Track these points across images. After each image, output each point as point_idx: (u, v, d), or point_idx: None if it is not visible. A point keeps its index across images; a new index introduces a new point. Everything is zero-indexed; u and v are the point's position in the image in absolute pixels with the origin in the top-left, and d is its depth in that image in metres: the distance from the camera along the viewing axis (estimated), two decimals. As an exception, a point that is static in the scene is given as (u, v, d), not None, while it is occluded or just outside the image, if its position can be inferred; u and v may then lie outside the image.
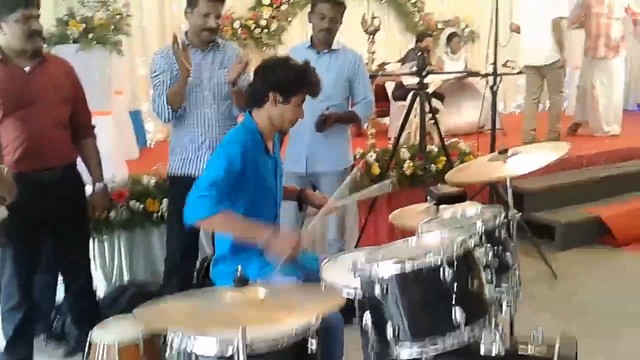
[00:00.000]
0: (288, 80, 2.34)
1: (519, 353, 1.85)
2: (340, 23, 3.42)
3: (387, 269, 1.68)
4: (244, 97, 2.90)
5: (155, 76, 3.03)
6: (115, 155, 4.38)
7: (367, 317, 1.77)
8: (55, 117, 2.79)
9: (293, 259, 2.22)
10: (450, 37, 7.30)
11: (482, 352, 1.79)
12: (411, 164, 4.66)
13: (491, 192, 4.46)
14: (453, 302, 1.64)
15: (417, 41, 7.33)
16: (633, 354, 3.09)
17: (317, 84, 2.42)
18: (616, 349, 3.14)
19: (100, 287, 3.59)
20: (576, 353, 1.83)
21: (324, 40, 3.41)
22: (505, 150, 2.47)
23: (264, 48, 7.65)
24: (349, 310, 1.97)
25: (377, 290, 1.68)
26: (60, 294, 3.26)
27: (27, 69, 2.73)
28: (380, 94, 6.72)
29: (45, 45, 3.10)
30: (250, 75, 3.03)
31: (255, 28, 7.48)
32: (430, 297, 1.68)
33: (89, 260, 3.15)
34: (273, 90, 2.34)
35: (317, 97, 2.48)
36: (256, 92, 2.41)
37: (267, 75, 2.38)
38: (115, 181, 3.74)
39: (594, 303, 3.74)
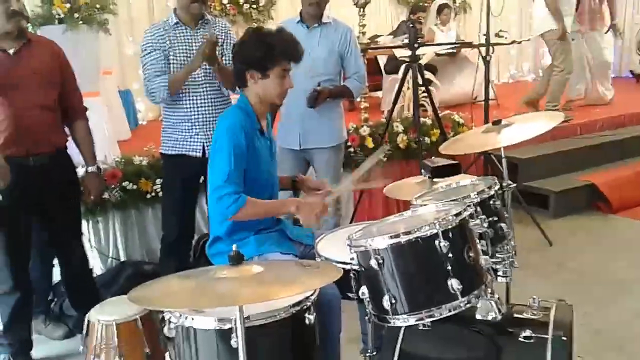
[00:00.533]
0: (258, 55, 2.27)
1: (515, 317, 1.86)
2: (330, -4, 3.38)
3: (382, 242, 1.69)
4: (229, 77, 2.88)
5: (145, 55, 2.99)
6: (106, 137, 4.36)
7: (364, 289, 1.78)
8: (42, 100, 2.75)
9: (320, 221, 2.28)
10: (440, 9, 7.22)
11: (478, 318, 1.82)
12: (405, 137, 4.66)
13: (485, 163, 4.46)
14: (449, 274, 1.64)
15: (410, 13, 7.26)
16: (626, 319, 3.13)
17: (294, 48, 2.32)
18: (610, 314, 3.17)
19: (97, 267, 3.60)
20: (572, 318, 1.85)
21: (313, 14, 3.36)
22: (499, 121, 2.46)
23: (254, 23, 7.57)
24: (345, 284, 2.00)
25: (373, 263, 1.69)
26: (57, 276, 3.27)
27: (11, 51, 2.68)
28: (373, 68, 6.68)
29: (30, 27, 3.05)
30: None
31: (244, 3, 7.39)
32: (426, 269, 1.68)
33: (82, 241, 3.15)
34: (248, 69, 2.30)
35: (298, 62, 2.38)
36: (236, 72, 2.38)
37: (240, 54, 2.34)
38: (108, 162, 3.73)
39: (588, 270, 3.78)
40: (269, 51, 2.27)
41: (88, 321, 2.19)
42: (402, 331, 1.88)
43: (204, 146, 3.01)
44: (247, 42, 2.32)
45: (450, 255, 1.65)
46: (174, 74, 2.94)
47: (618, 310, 3.23)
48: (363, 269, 1.78)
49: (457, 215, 1.70)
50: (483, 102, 4.61)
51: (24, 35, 2.73)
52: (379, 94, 7.16)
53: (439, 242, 1.64)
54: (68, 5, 3.96)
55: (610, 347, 2.86)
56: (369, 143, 4.53)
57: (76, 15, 3.99)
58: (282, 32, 2.35)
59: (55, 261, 3.18)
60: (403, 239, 1.67)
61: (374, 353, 2.08)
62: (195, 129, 3.02)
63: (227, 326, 1.67)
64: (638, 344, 2.90)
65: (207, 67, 2.99)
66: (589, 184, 4.93)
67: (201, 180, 3.11)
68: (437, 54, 6.83)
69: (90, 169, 3.02)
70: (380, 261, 1.68)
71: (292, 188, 2.72)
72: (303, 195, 2.71)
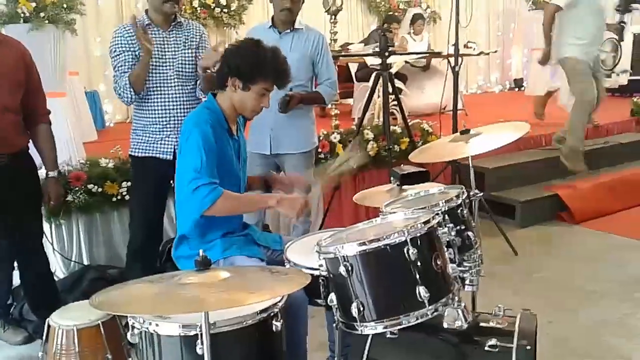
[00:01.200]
0: (247, 66, 2.25)
1: (481, 325, 1.88)
2: (303, 2, 3.37)
3: (351, 249, 1.68)
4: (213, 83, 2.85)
5: (115, 56, 2.93)
6: (72, 138, 4.27)
7: (333, 296, 1.77)
8: (5, 101, 2.68)
9: (303, 215, 2.29)
10: (414, 19, 7.31)
11: (444, 326, 1.83)
12: (375, 145, 4.68)
13: (453, 172, 4.51)
14: (417, 281, 1.65)
15: (384, 23, 7.32)
16: (591, 328, 3.18)
17: (284, 75, 2.32)
18: (574, 323, 3.23)
19: (59, 271, 3.52)
20: (536, 327, 1.87)
21: (285, 20, 3.35)
22: (467, 131, 2.49)
23: (224, 28, 7.54)
24: (313, 290, 1.99)
25: (342, 270, 1.68)
26: (16, 279, 3.18)
27: None
28: (344, 75, 6.72)
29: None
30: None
31: (215, 7, 7.35)
32: (395, 277, 1.68)
33: (42, 246, 3.07)
34: (232, 75, 2.27)
35: (282, 88, 2.38)
36: (219, 74, 2.35)
37: (229, 59, 2.30)
38: (72, 164, 3.65)
39: (553, 279, 3.84)
40: (259, 66, 2.25)
41: (48, 326, 2.14)
42: (369, 339, 1.87)
43: (174, 149, 2.96)
44: (242, 49, 2.29)
45: (418, 263, 1.66)
46: (132, 72, 2.88)
47: (582, 319, 3.29)
48: (332, 275, 1.77)
49: (425, 223, 1.71)
50: (451, 112, 4.67)
51: None
52: (350, 101, 7.20)
53: (408, 249, 1.64)
54: (34, 4, 3.88)
55: (574, 355, 2.91)
56: (340, 150, 4.53)
57: (42, 14, 3.92)
58: (278, 55, 2.31)
59: (15, 264, 3.09)
60: (372, 246, 1.67)
61: (341, 360, 2.08)
62: (167, 131, 2.97)
63: (192, 332, 1.65)
64: (602, 352, 2.95)
65: (179, 68, 2.96)
66: (554, 195, 5.02)
67: (171, 184, 3.06)
68: (411, 65, 6.90)
69: (50, 174, 2.95)
70: (349, 268, 1.68)
71: (264, 188, 2.69)
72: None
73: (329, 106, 5.03)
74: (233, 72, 2.27)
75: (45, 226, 3.20)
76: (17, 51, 2.77)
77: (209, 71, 2.87)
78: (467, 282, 2.06)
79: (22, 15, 3.89)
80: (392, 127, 4.64)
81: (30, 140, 2.90)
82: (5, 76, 2.68)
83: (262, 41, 2.35)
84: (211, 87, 2.91)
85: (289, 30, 3.37)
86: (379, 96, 5.16)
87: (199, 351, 1.58)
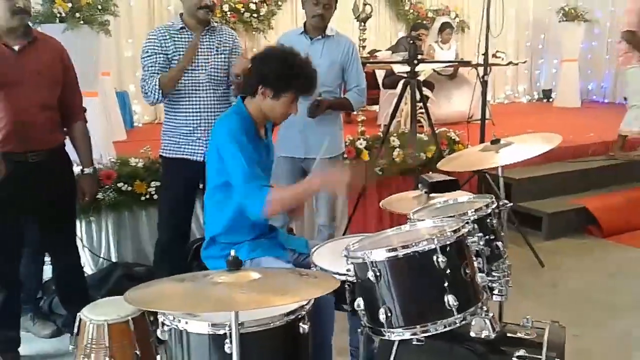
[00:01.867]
0: (279, 77, 2.26)
1: (508, 336, 1.86)
2: (335, 9, 3.39)
3: (380, 255, 1.69)
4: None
5: (147, 56, 2.98)
6: (102, 137, 4.35)
7: (360, 301, 1.78)
8: (43, 99, 2.74)
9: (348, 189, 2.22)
10: (442, 27, 7.28)
11: (472, 335, 1.82)
12: (401, 152, 4.67)
13: (479, 182, 4.49)
14: (446, 290, 1.65)
15: (411, 30, 7.31)
16: (615, 342, 3.14)
17: (312, 85, 2.34)
18: (600, 337, 3.18)
19: (87, 267, 3.58)
20: (564, 340, 1.86)
21: (317, 26, 3.37)
22: (497, 140, 2.47)
23: (253, 32, 7.60)
24: (338, 295, 2.00)
25: (370, 275, 1.68)
26: (47, 274, 3.25)
27: (15, 48, 2.68)
28: (370, 82, 6.68)
29: (31, 24, 3.05)
30: None
31: (244, 12, 7.42)
32: (423, 284, 1.69)
33: (75, 241, 3.13)
34: (263, 84, 2.28)
35: (310, 96, 2.41)
36: (249, 81, 2.36)
37: (260, 67, 2.31)
38: (103, 162, 3.72)
39: (579, 292, 3.80)
40: (290, 78, 2.26)
41: (79, 320, 2.17)
42: (395, 345, 1.87)
43: (204, 151, 2.99)
44: (273, 58, 2.30)
45: (447, 271, 1.65)
46: (165, 74, 2.92)
47: (607, 332, 3.24)
48: (359, 280, 1.78)
49: (455, 231, 1.71)
50: (478, 121, 4.64)
51: (29, 33, 2.72)
52: (376, 107, 7.20)
53: (437, 257, 1.64)
54: (70, 5, 3.96)
55: (598, 370, 2.88)
56: (365, 156, 4.54)
57: (77, 14, 4.00)
58: (308, 65, 2.33)
59: (47, 259, 3.16)
60: (401, 252, 1.67)
61: (364, 366, 2.08)
62: (197, 133, 3.01)
63: (221, 331, 1.67)
64: (626, 368, 2.92)
65: (212, 72, 3.00)
66: (582, 208, 4.96)
67: (200, 186, 3.10)
68: (438, 73, 6.88)
69: (86, 170, 3.01)
70: (378, 274, 1.68)
71: None
72: None
73: (355, 112, 5.04)
74: (263, 81, 2.28)
75: (76, 223, 3.26)
76: (54, 49, 2.84)
77: (239, 78, 2.91)
78: (495, 292, 2.05)
79: (58, 15, 3.98)
80: (418, 135, 4.63)
81: (67, 137, 2.96)
82: (44, 74, 2.74)
83: (293, 49, 2.36)
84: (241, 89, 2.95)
85: (320, 37, 3.40)
86: (406, 103, 5.16)
87: (227, 350, 1.60)
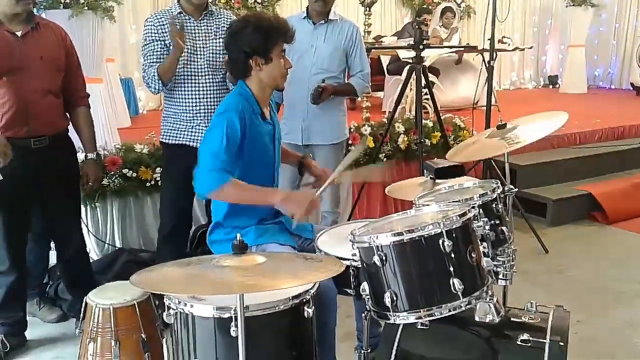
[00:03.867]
0: (259, 40, 2.26)
1: (512, 320, 1.87)
2: (339, -6, 3.37)
3: (386, 239, 1.69)
4: None
5: (145, 45, 2.98)
6: (107, 124, 4.35)
7: (365, 285, 1.78)
8: (46, 84, 2.75)
9: (307, 217, 2.23)
10: (443, 12, 7.25)
11: (476, 319, 1.82)
12: (406, 138, 4.66)
13: (485, 168, 4.47)
14: (451, 274, 1.65)
15: (416, 16, 7.27)
16: (618, 328, 3.14)
17: (287, 27, 2.33)
18: (602, 323, 3.19)
19: (93, 252, 3.60)
20: (568, 325, 1.86)
21: (320, 11, 3.35)
22: (504, 125, 2.46)
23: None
24: (342, 280, 2.00)
25: (376, 259, 1.69)
26: (53, 260, 3.27)
27: (18, 33, 2.67)
28: (375, 68, 6.67)
29: (35, 10, 3.04)
30: None
31: (249, -3, 7.38)
32: (429, 268, 1.68)
33: (80, 226, 3.14)
34: (251, 55, 2.28)
35: (291, 42, 2.37)
36: (238, 63, 2.34)
37: (239, 43, 2.30)
38: (108, 149, 3.73)
39: (582, 278, 3.79)
40: (268, 34, 2.27)
41: (86, 304, 2.19)
42: (400, 329, 1.88)
43: None
44: (244, 31, 2.29)
45: (453, 255, 1.65)
46: (162, 63, 2.91)
47: (611, 319, 3.24)
48: (365, 265, 1.78)
49: (461, 215, 1.70)
50: (484, 107, 4.62)
51: (31, 19, 2.72)
52: (380, 94, 7.17)
53: (443, 241, 1.64)
54: (74, -9, 3.95)
55: (602, 356, 2.88)
56: (370, 142, 4.53)
57: (82, 1, 3.98)
58: (270, 15, 2.37)
59: (52, 244, 3.17)
60: (407, 236, 1.67)
61: (369, 350, 2.09)
62: (197, 119, 3.00)
63: (226, 315, 1.68)
64: (629, 353, 2.91)
65: (210, 57, 2.99)
66: (587, 194, 4.94)
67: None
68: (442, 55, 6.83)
69: (89, 156, 3.02)
70: (383, 258, 1.68)
71: (298, 166, 2.70)
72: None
73: (360, 99, 5.02)
74: (250, 53, 2.28)
75: (81, 208, 3.27)
76: (58, 35, 2.83)
77: None
78: (500, 276, 2.05)
79: (62, 1, 3.97)
80: (423, 121, 4.62)
81: (70, 123, 2.96)
82: (46, 59, 2.74)
83: (248, 14, 2.41)
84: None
85: (323, 22, 3.38)
86: (411, 89, 5.13)
87: (232, 333, 1.61)
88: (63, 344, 3.01)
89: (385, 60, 7.04)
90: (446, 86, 6.65)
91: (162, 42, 2.94)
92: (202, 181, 2.22)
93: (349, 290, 2.05)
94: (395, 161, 4.65)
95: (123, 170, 3.62)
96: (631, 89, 9.02)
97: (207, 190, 2.22)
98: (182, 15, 2.98)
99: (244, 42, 2.28)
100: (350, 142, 4.33)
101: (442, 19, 7.25)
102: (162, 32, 2.94)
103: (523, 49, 8.30)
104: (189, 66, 2.97)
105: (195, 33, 2.99)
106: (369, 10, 5.05)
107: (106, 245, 3.68)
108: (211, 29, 3.03)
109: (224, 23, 3.06)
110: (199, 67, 2.98)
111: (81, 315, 2.21)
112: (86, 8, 4.00)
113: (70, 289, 3.12)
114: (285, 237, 2.41)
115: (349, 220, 4.18)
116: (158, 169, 3.67)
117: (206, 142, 2.28)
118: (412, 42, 4.32)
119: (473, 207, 1.79)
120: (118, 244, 3.70)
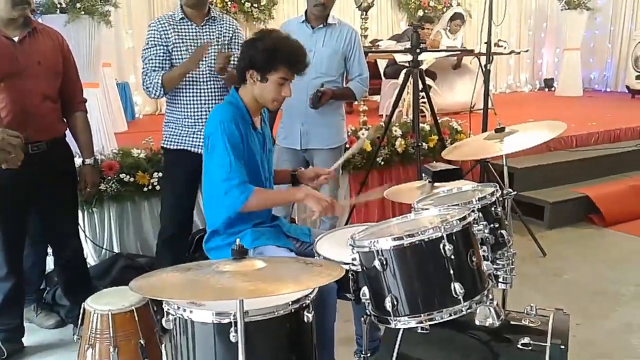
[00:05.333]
0: (262, 57, 2.25)
1: (512, 324, 1.87)
2: (337, -2, 3.37)
3: (387, 243, 1.68)
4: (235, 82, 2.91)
5: (147, 48, 2.97)
6: (104, 128, 4.34)
7: (365, 290, 1.78)
8: (43, 89, 2.74)
9: (316, 221, 2.26)
10: (453, 17, 7.21)
11: (476, 323, 1.82)
12: (403, 142, 4.66)
13: (482, 171, 4.48)
14: (452, 278, 1.65)
15: (419, 21, 7.27)
16: (616, 331, 3.14)
17: (299, 60, 2.30)
18: (601, 326, 3.19)
19: (90, 258, 3.58)
20: (568, 328, 1.86)
21: (319, 15, 3.35)
22: (502, 129, 2.46)
23: (254, 22, 7.57)
24: (342, 284, 2.00)
25: (376, 264, 1.68)
26: (50, 265, 3.25)
27: (15, 38, 2.67)
28: (372, 72, 6.65)
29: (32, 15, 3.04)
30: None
31: (245, 2, 7.38)
32: (430, 272, 1.68)
33: (77, 232, 3.12)
34: (249, 68, 2.28)
35: (301, 74, 2.35)
36: (238, 69, 2.37)
37: (245, 52, 2.31)
38: (105, 154, 3.72)
39: (581, 281, 3.80)
40: (272, 55, 2.25)
41: (84, 310, 2.17)
42: (400, 333, 1.87)
43: None
44: (256, 42, 2.30)
45: (453, 259, 1.65)
46: (169, 72, 2.92)
47: (609, 322, 3.25)
48: (365, 269, 1.77)
49: (462, 219, 1.70)
50: (481, 111, 4.62)
51: (28, 24, 2.71)
52: (377, 98, 7.18)
53: (444, 245, 1.64)
54: (70, -4, 3.95)
55: (600, 358, 2.88)
56: (367, 146, 4.53)
57: (78, 5, 3.98)
58: (291, 40, 2.32)
59: (50, 250, 3.16)
60: (407, 241, 1.66)
61: (369, 355, 2.09)
62: (199, 125, 2.99)
63: (226, 320, 1.67)
64: (628, 356, 2.91)
65: (212, 62, 2.98)
66: (584, 197, 4.96)
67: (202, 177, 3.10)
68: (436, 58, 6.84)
69: (87, 161, 3.01)
70: (384, 262, 1.68)
71: (291, 182, 2.71)
72: None
73: (357, 102, 5.03)
74: (248, 65, 2.28)
75: (79, 213, 3.25)
76: (55, 40, 2.83)
77: (226, 73, 2.90)
78: (500, 280, 2.05)
79: (59, 5, 3.96)
80: (420, 125, 4.61)
81: (67, 128, 2.95)
82: (44, 64, 2.73)
83: (276, 30, 2.39)
84: (231, 84, 2.95)
85: (322, 26, 3.38)
86: (408, 93, 5.13)
87: (232, 339, 1.60)
88: (61, 350, 2.99)
89: (381, 63, 7.05)
90: (443, 90, 6.66)
91: (165, 47, 2.94)
92: (227, 202, 2.24)
93: (348, 295, 2.04)
94: (393, 165, 4.66)
95: (120, 175, 3.61)
96: (627, 91, 9.06)
97: (236, 209, 2.25)
98: (184, 20, 2.98)
99: (250, 52, 2.28)
100: (347, 146, 4.33)
101: (449, 24, 7.23)
102: (165, 37, 2.94)
103: (519, 52, 8.32)
104: (190, 72, 2.96)
105: (197, 39, 2.98)
106: (366, 14, 5.06)
107: (103, 250, 3.66)
108: (213, 35, 3.03)
109: (226, 29, 3.07)
110: (201, 72, 2.98)
111: (79, 321, 2.20)
112: (83, 13, 4.00)
113: (68, 295, 3.10)
114: (282, 239, 2.42)
115: (346, 224, 4.18)
116: (155, 174, 3.66)
117: (214, 161, 2.27)
118: (408, 46, 4.32)
119: (473, 211, 1.79)
120: (116, 249, 3.69)
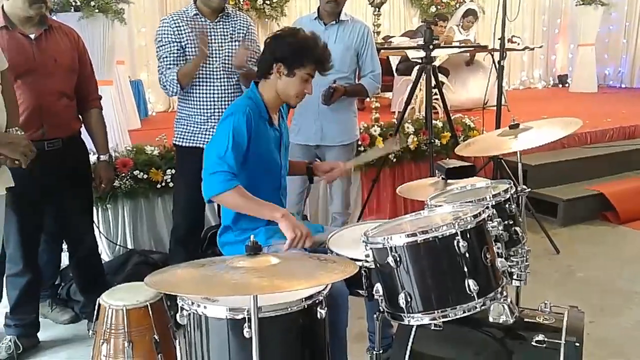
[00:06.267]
0: (293, 51, 2.28)
1: (526, 321, 1.86)
2: (350, -6, 3.37)
3: (400, 240, 1.68)
4: (251, 79, 2.91)
5: (161, 46, 2.97)
6: (117, 125, 4.37)
7: (378, 286, 1.78)
8: (59, 86, 2.76)
9: (295, 245, 2.17)
10: (466, 13, 7.17)
11: (490, 320, 1.81)
12: (415, 139, 4.65)
13: (495, 168, 4.46)
14: (466, 274, 1.64)
15: (433, 18, 7.23)
16: (631, 329, 3.12)
17: (326, 59, 2.34)
18: (615, 324, 3.16)
19: (104, 254, 3.61)
20: (583, 325, 1.85)
21: (331, 12, 3.35)
22: (517, 125, 2.45)
23: (266, 20, 7.58)
24: (354, 281, 1.99)
25: (390, 260, 1.68)
26: (65, 261, 3.28)
27: (32, 36, 2.69)
28: (384, 68, 6.62)
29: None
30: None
31: (257, -2, 7.40)
32: (444, 269, 1.68)
33: (92, 228, 3.15)
34: (277, 62, 2.30)
35: (325, 73, 2.40)
36: (263, 62, 2.37)
37: (274, 46, 2.33)
38: (119, 151, 3.75)
39: (595, 279, 3.77)
40: (303, 51, 2.28)
41: (99, 305, 2.19)
42: (413, 330, 1.87)
43: None
44: (285, 36, 2.33)
45: (468, 256, 1.64)
46: (182, 67, 2.92)
47: (623, 319, 3.22)
48: (378, 265, 1.77)
49: (476, 216, 1.70)
50: (494, 107, 4.60)
51: (45, 22, 2.74)
52: (389, 94, 7.16)
53: (458, 242, 1.63)
54: (84, -7, 3.97)
55: (614, 356, 2.86)
56: (379, 143, 4.53)
57: (92, 3, 4.01)
58: (319, 40, 2.35)
59: (64, 246, 3.19)
60: (421, 237, 1.66)
61: (381, 351, 2.08)
62: (212, 121, 3.00)
63: (239, 316, 1.67)
64: (643, 355, 2.90)
65: (225, 59, 2.99)
66: (598, 194, 4.91)
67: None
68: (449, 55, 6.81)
69: (102, 157, 3.03)
70: (397, 259, 1.67)
71: (306, 174, 2.71)
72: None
73: (369, 99, 5.02)
74: (278, 58, 2.29)
75: (93, 210, 3.28)
76: (71, 38, 2.85)
77: (244, 69, 2.90)
78: (514, 277, 2.04)
79: (73, 3, 3.99)
80: (433, 121, 4.60)
81: (83, 125, 2.98)
82: (60, 62, 2.75)
83: (301, 28, 2.39)
84: (247, 81, 2.96)
85: (334, 22, 3.38)
86: (420, 89, 5.12)
87: (245, 335, 1.60)
88: (75, 345, 3.03)
89: (394, 60, 7.03)
90: (456, 86, 6.63)
91: (178, 44, 2.94)
92: (207, 184, 2.20)
93: (360, 291, 2.04)
94: (405, 161, 4.65)
95: (134, 172, 3.64)
96: (642, 87, 8.97)
97: (211, 193, 2.19)
98: (197, 17, 2.98)
99: (279, 46, 2.30)
100: (360, 142, 4.33)
101: (462, 20, 7.19)
102: (178, 34, 2.94)
103: (533, 48, 8.26)
104: (203, 68, 2.97)
105: (210, 35, 2.98)
106: (378, 11, 5.05)
107: (117, 246, 3.69)
108: (227, 31, 3.03)
109: (240, 25, 3.07)
110: (214, 69, 2.98)
111: (94, 316, 2.22)
112: (97, 10, 4.02)
113: (82, 290, 3.13)
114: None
115: (358, 221, 4.18)
116: (169, 171, 3.68)
117: (213, 145, 2.27)
118: (421, 42, 4.31)
119: (487, 208, 1.78)
120: (129, 245, 3.72)
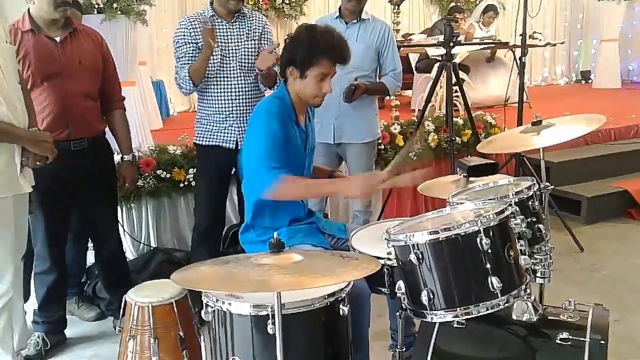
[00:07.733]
0: (299, 53, 2.23)
1: (550, 318, 1.85)
2: (371, -7, 3.37)
3: (422, 237, 1.68)
4: (273, 79, 2.93)
5: (178, 47, 3.02)
6: (140, 126, 4.42)
7: (400, 284, 1.78)
8: (84, 88, 2.82)
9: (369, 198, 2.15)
10: (486, 9, 7.11)
11: (513, 318, 1.81)
12: (436, 137, 4.64)
13: (517, 165, 4.42)
14: (489, 272, 1.64)
15: (448, 14, 7.20)
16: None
17: (339, 50, 2.25)
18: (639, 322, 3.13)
19: (128, 252, 3.66)
20: (608, 323, 1.83)
21: (353, 10, 3.36)
22: (540, 122, 2.43)
23: (285, 19, 7.61)
24: (376, 278, 1.99)
25: (412, 258, 1.68)
26: (91, 259, 3.34)
27: (57, 39, 2.75)
28: (404, 66, 6.62)
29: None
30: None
31: (277, -2, 7.42)
32: (467, 266, 1.67)
33: (117, 227, 3.20)
34: (289, 65, 2.27)
35: (344, 64, 2.30)
36: (281, 65, 2.35)
37: (286, 49, 2.30)
38: (142, 151, 3.79)
39: (619, 277, 3.72)
40: (310, 49, 2.22)
41: (125, 302, 2.23)
42: (436, 328, 1.87)
43: (237, 138, 3.03)
44: (296, 38, 2.29)
45: (490, 253, 1.64)
46: (192, 65, 2.95)
47: (649, 319, 3.18)
48: (401, 263, 1.78)
49: (499, 213, 1.69)
50: (515, 104, 4.56)
51: (69, 25, 2.79)
52: (409, 92, 7.14)
53: (481, 239, 1.63)
54: (107, -4, 4.03)
55: (639, 355, 2.82)
56: (400, 141, 4.52)
57: (115, 5, 4.06)
58: (331, 32, 2.27)
59: (90, 244, 3.25)
60: (443, 235, 1.66)
61: (404, 349, 2.09)
62: (230, 120, 3.04)
63: (263, 312, 1.68)
64: (669, 353, 2.85)
65: (242, 59, 3.02)
66: (622, 191, 4.85)
67: (233, 172, 3.15)
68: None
69: (125, 157, 3.07)
70: (420, 256, 1.67)
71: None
72: None
73: (389, 97, 5.01)
74: (288, 62, 2.27)
75: (117, 209, 3.33)
76: (95, 40, 2.90)
77: (263, 71, 2.92)
78: (538, 274, 2.03)
79: (96, 6, 4.05)
80: (454, 119, 4.58)
81: (107, 125, 3.03)
82: (85, 64, 2.81)
83: (316, 25, 2.34)
84: (271, 82, 2.98)
85: (355, 21, 3.38)
86: (441, 87, 5.10)
87: (269, 331, 1.62)
88: (101, 342, 3.08)
89: (413, 58, 7.00)
90: (477, 83, 6.59)
91: (195, 45, 2.98)
92: (256, 184, 2.21)
93: (383, 289, 2.05)
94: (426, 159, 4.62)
95: (157, 172, 3.68)
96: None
97: (264, 192, 2.19)
98: (214, 17, 3.02)
99: (289, 49, 2.27)
100: (380, 141, 4.32)
101: (483, 17, 7.13)
102: (195, 35, 2.97)
103: (555, 44, 8.17)
104: (221, 68, 3.00)
105: (227, 35, 3.02)
106: (398, 9, 5.04)
107: (141, 245, 3.74)
108: (243, 32, 3.05)
109: (256, 25, 3.09)
110: (231, 69, 3.01)
111: (120, 313, 2.26)
112: (119, 12, 4.08)
113: (108, 288, 3.18)
114: (318, 238, 2.41)
115: (379, 219, 4.18)
116: (191, 170, 3.72)
117: (250, 148, 2.26)
118: (441, 40, 4.29)
119: (510, 205, 1.77)
120: (153, 244, 3.76)
